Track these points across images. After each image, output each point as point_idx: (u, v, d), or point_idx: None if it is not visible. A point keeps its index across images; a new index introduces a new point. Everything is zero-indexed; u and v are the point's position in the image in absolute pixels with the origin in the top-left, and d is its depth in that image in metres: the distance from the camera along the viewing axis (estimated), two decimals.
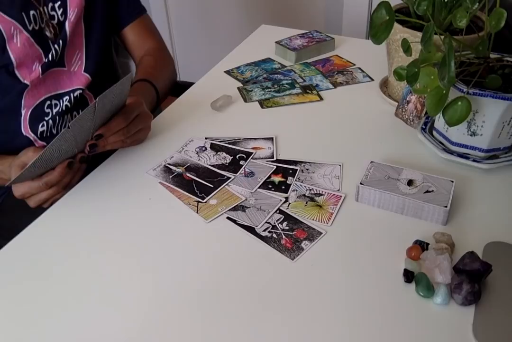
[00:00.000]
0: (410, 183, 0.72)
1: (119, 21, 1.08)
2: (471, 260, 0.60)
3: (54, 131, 0.97)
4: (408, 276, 0.62)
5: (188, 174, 0.81)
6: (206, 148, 0.87)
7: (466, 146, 0.80)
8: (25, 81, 0.91)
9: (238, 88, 1.06)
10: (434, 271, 0.61)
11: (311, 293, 0.61)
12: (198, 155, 0.85)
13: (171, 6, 2.26)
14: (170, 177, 0.80)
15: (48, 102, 0.95)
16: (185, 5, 2.22)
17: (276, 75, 1.10)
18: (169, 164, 0.83)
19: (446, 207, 0.68)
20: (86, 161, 0.77)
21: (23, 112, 0.93)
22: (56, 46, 0.92)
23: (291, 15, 2.03)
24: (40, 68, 0.91)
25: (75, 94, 0.97)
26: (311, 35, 1.22)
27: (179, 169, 0.82)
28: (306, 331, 0.57)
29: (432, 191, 0.71)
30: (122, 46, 1.15)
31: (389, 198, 0.71)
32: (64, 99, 0.96)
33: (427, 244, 0.66)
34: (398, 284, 0.62)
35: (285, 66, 1.14)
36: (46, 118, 0.95)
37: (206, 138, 0.89)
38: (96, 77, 0.99)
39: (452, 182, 0.72)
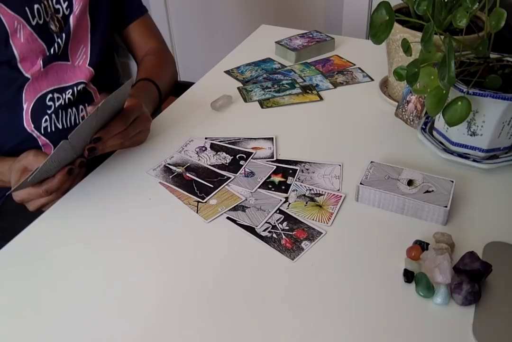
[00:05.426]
0: (410, 183, 0.72)
1: (123, 18, 1.08)
2: (471, 260, 0.60)
3: (59, 126, 0.96)
4: (408, 276, 0.62)
5: (188, 174, 0.81)
6: (206, 148, 0.87)
7: (466, 146, 0.80)
8: (26, 75, 0.90)
9: (238, 88, 1.06)
10: (434, 271, 0.61)
11: (311, 293, 0.61)
12: (198, 155, 0.85)
13: (171, 6, 2.26)
14: (170, 177, 0.80)
15: (50, 95, 0.94)
16: (185, 5, 2.23)
17: (276, 75, 1.10)
18: (169, 164, 0.83)
19: (446, 207, 0.68)
20: (85, 166, 0.77)
21: (24, 106, 0.93)
22: (59, 39, 0.92)
23: (291, 15, 2.03)
24: (41, 61, 0.90)
25: (78, 88, 0.96)
26: (311, 35, 1.22)
27: (179, 169, 0.82)
28: (306, 331, 0.57)
29: (432, 191, 0.71)
30: (123, 46, 1.15)
31: (389, 198, 0.71)
32: (67, 92, 0.95)
33: (427, 244, 0.66)
34: (398, 284, 0.62)
35: (285, 66, 1.14)
36: (49, 112, 0.94)
37: (206, 138, 0.89)
38: (99, 71, 0.99)
39: (452, 182, 0.72)
